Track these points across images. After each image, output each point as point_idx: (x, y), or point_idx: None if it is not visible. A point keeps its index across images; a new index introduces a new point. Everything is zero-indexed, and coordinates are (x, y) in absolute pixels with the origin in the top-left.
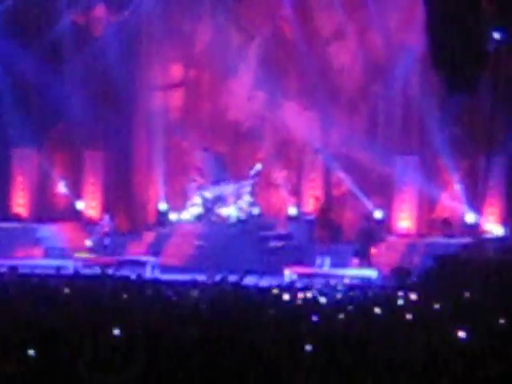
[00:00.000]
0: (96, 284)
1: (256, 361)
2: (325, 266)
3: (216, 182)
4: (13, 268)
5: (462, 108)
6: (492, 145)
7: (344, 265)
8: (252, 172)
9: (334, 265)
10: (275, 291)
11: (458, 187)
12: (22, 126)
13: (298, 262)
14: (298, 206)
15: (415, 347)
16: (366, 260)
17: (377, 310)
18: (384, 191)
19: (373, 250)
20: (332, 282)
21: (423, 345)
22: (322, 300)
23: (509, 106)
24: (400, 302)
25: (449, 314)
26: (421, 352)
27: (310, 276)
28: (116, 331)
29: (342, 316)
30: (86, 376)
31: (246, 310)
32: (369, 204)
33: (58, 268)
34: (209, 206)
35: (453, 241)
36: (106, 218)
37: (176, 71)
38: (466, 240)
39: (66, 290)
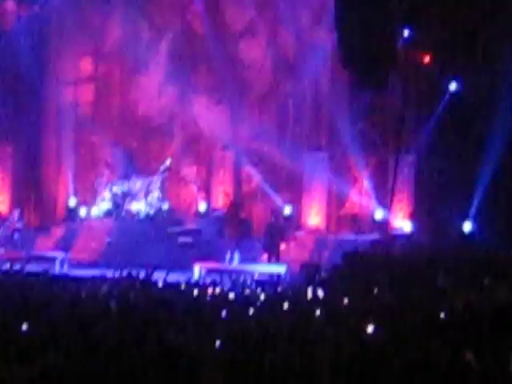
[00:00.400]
0: (2, 279)
1: (165, 358)
2: (234, 261)
3: (125, 177)
4: None
5: (372, 105)
6: (401, 142)
7: (254, 260)
8: (162, 167)
9: (244, 260)
10: (184, 286)
11: (367, 184)
12: None
13: (208, 258)
14: (208, 201)
15: (324, 342)
16: (274, 256)
17: (285, 306)
18: (293, 187)
19: (282, 246)
20: (241, 277)
21: (331, 340)
22: (231, 296)
23: (418, 104)
24: (309, 297)
25: (357, 309)
26: (330, 347)
27: (219, 272)
28: (24, 327)
29: (251, 311)
30: None
31: (154, 306)
32: (278, 200)
33: None
34: (118, 201)
35: (362, 237)
36: (15, 212)
37: (86, 66)
38: (375, 236)
39: None
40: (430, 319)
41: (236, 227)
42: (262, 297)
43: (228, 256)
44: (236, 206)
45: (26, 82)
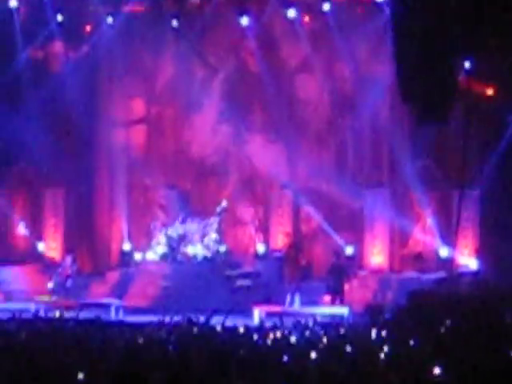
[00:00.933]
0: (56, 327)
1: None
2: (295, 304)
3: (181, 220)
4: None
5: (433, 140)
6: (464, 177)
7: (315, 303)
8: (218, 209)
9: (305, 303)
10: (243, 331)
11: (430, 221)
12: None
13: (267, 301)
14: (266, 242)
15: None
16: (338, 297)
17: (348, 349)
18: (354, 226)
19: (346, 287)
20: (302, 320)
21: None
22: (293, 339)
23: (481, 137)
24: (373, 339)
25: (423, 350)
26: None
27: (279, 315)
28: (80, 375)
29: (313, 355)
30: None
31: (214, 352)
32: (339, 239)
33: (20, 312)
34: (174, 245)
35: (426, 276)
36: (68, 259)
37: (138, 107)
38: (440, 275)
39: (24, 335)
40: (500, 360)
41: (296, 269)
42: (325, 340)
43: (288, 299)
44: (296, 246)
45: (77, 125)
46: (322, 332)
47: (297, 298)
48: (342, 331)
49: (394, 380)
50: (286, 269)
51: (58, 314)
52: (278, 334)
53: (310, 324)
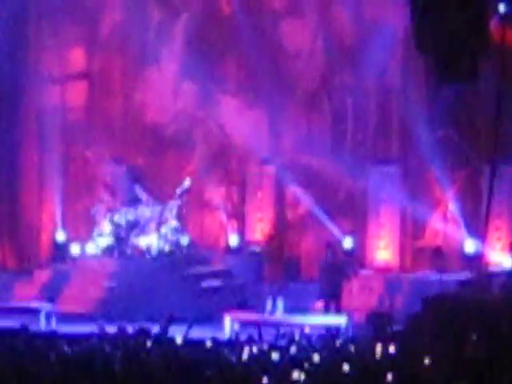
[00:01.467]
0: None
1: None
2: (277, 311)
3: (131, 204)
4: None
5: (457, 103)
6: (497, 150)
7: (303, 310)
8: (179, 189)
9: (290, 310)
10: (210, 344)
11: (453, 206)
12: None
13: (242, 307)
14: (241, 233)
15: None
16: (333, 303)
17: (345, 368)
18: (355, 212)
19: (344, 290)
20: (287, 331)
21: None
22: (275, 356)
23: None
24: (378, 357)
25: (442, 371)
26: None
27: (257, 325)
28: None
29: (301, 377)
30: None
31: (173, 372)
32: (335, 230)
33: None
34: (122, 235)
35: (448, 277)
36: None
37: (77, 58)
38: (465, 275)
39: None
40: None
41: (279, 266)
42: (316, 357)
43: (269, 304)
44: (279, 237)
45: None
46: (311, 347)
47: (280, 304)
48: (338, 346)
49: None
50: (267, 266)
51: None
52: (255, 350)
53: (297, 337)
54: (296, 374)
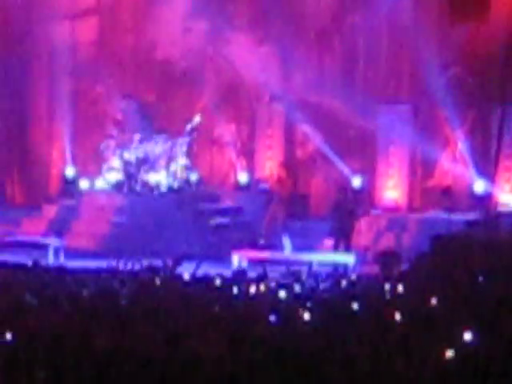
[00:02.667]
0: None
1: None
2: (286, 248)
3: (141, 140)
4: None
5: (467, 42)
6: (507, 90)
7: (312, 248)
8: (188, 126)
9: (300, 248)
10: (219, 282)
11: (462, 146)
12: None
13: (251, 245)
14: (251, 170)
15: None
16: (343, 241)
17: (354, 307)
18: (364, 151)
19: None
20: (295, 269)
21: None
22: (282, 294)
23: None
24: (386, 296)
25: (450, 311)
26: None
27: (265, 262)
28: (8, 336)
29: (307, 316)
30: None
31: (181, 308)
32: (345, 168)
33: None
34: (131, 171)
35: (456, 216)
36: None
37: None
38: (474, 215)
39: None
40: None
41: (288, 204)
42: (324, 295)
43: (285, 241)
44: (288, 176)
45: (9, 19)
46: (319, 285)
47: (287, 241)
48: (346, 284)
49: (411, 348)
50: (276, 204)
51: None
52: (262, 288)
53: (304, 275)
54: (303, 313)
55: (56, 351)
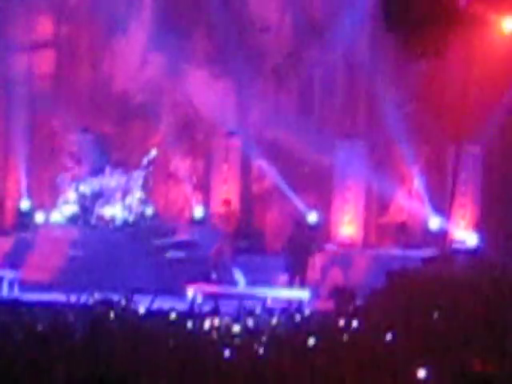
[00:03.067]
0: None
1: None
2: (240, 283)
3: (97, 173)
4: None
5: (424, 79)
6: (463, 128)
7: (268, 283)
8: (145, 160)
9: (254, 282)
10: (173, 316)
11: (418, 183)
12: None
13: (205, 279)
14: (206, 205)
15: None
16: (298, 277)
17: (310, 342)
18: (320, 187)
19: (308, 264)
20: (249, 304)
21: None
22: (236, 328)
23: (486, 77)
24: (340, 331)
25: (405, 348)
26: None
27: (220, 297)
28: None
29: (260, 350)
30: None
31: (135, 342)
32: (300, 204)
33: None
34: (87, 204)
35: (411, 252)
36: None
37: (45, 26)
38: (429, 252)
39: None
40: (501, 365)
41: (234, 239)
42: (278, 330)
43: (237, 275)
44: (232, 212)
45: None
46: (274, 320)
47: (239, 276)
48: (300, 320)
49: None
50: (230, 239)
51: None
52: (217, 322)
53: (259, 310)
54: (257, 347)
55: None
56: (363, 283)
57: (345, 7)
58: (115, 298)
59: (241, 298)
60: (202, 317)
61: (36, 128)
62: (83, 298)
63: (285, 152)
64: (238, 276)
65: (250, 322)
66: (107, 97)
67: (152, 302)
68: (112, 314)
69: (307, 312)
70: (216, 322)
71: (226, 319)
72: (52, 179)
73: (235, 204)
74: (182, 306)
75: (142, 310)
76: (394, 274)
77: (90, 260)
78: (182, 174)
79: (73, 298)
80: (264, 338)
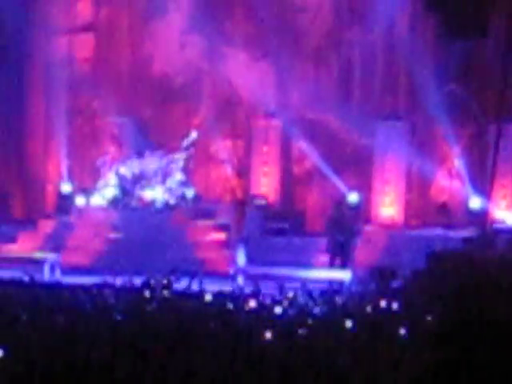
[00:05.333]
0: None
1: None
2: (239, 261)
3: (137, 156)
4: None
5: (466, 59)
6: (504, 107)
7: (308, 264)
8: (185, 142)
9: (294, 263)
10: (214, 297)
11: (459, 163)
12: None
13: (247, 260)
14: (247, 186)
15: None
16: (339, 258)
17: (348, 324)
18: (361, 168)
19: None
20: (291, 285)
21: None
22: (278, 310)
23: None
24: (381, 313)
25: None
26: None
27: (262, 277)
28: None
29: (301, 331)
30: None
31: (177, 325)
32: (341, 185)
33: None
34: (127, 187)
35: (452, 233)
36: None
37: (84, 11)
38: (470, 232)
39: None
40: None
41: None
42: (318, 312)
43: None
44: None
45: (7, 33)
46: (313, 301)
47: (240, 253)
48: (340, 301)
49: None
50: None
51: None
52: (259, 304)
53: (299, 291)
54: (298, 329)
55: (50, 365)
56: (404, 264)
57: None
58: (155, 280)
59: (282, 279)
60: (243, 298)
61: (77, 111)
62: (123, 281)
63: (325, 133)
64: (240, 253)
65: (291, 304)
66: (147, 79)
67: (191, 283)
68: (152, 296)
69: (348, 293)
70: (257, 303)
71: (267, 301)
72: (92, 162)
73: (275, 185)
74: (223, 288)
75: (182, 291)
76: (436, 255)
77: (130, 243)
78: (222, 155)
79: (113, 281)
80: (306, 320)
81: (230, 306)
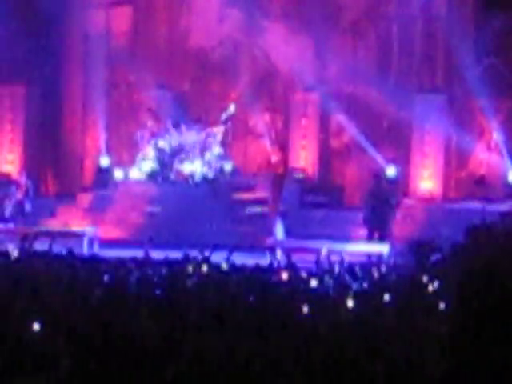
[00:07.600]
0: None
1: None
2: (277, 234)
3: (175, 129)
4: None
5: (505, 32)
6: None
7: (346, 237)
8: (223, 115)
9: (333, 237)
10: (252, 271)
11: (497, 136)
12: None
13: (286, 234)
14: (285, 160)
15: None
16: (377, 232)
17: (386, 298)
18: (399, 141)
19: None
20: (329, 258)
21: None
22: (314, 283)
23: None
24: (419, 286)
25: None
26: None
27: (300, 251)
28: (36, 326)
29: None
30: None
31: (214, 296)
32: (379, 158)
33: None
34: (165, 161)
35: (490, 207)
36: (23, 176)
37: None
38: (508, 206)
39: None
40: None
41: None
42: (355, 285)
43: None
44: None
45: (44, 7)
46: (352, 275)
47: (279, 226)
48: (380, 274)
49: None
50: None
51: (10, 246)
52: (295, 277)
53: (337, 264)
54: (336, 303)
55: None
56: (443, 238)
57: None
58: (194, 253)
59: (319, 252)
60: (280, 271)
61: (114, 85)
62: (162, 254)
63: (363, 106)
64: (279, 226)
65: (328, 278)
66: (185, 53)
67: (230, 256)
68: (191, 270)
69: (386, 266)
70: (293, 276)
71: (304, 274)
72: (131, 136)
73: (314, 159)
74: (261, 261)
75: (221, 265)
76: (474, 229)
77: (168, 216)
78: (260, 129)
79: (152, 254)
80: (346, 293)
81: (268, 279)
